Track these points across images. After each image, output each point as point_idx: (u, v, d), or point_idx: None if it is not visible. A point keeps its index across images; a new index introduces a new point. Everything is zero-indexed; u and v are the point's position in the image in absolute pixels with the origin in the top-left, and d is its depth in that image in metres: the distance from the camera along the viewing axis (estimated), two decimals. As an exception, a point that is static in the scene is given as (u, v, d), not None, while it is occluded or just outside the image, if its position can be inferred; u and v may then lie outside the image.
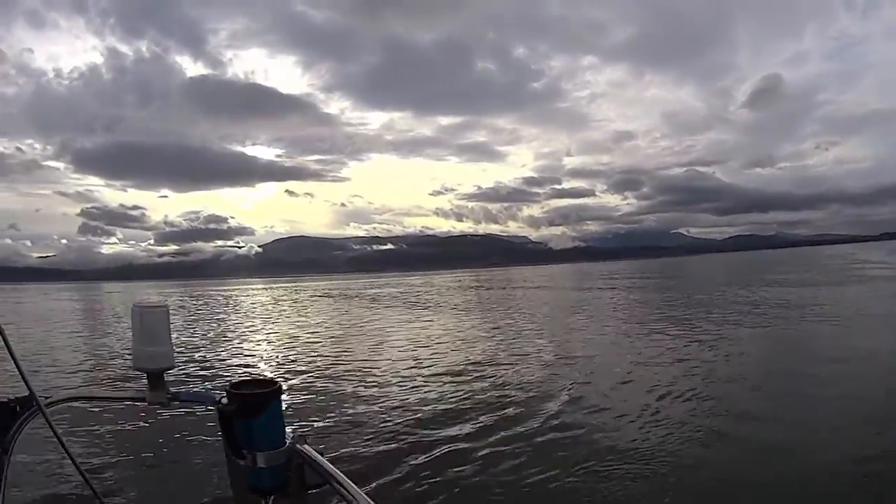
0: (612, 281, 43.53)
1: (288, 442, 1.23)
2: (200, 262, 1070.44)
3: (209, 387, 8.99)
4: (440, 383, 9.13)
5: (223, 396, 1.44)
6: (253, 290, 71.05)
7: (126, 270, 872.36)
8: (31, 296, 72.70)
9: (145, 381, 1.43)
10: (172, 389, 1.52)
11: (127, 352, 12.16)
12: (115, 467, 5.52)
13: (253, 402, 1.20)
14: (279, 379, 1.25)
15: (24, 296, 73.40)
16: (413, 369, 10.30)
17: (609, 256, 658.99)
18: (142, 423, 6.58)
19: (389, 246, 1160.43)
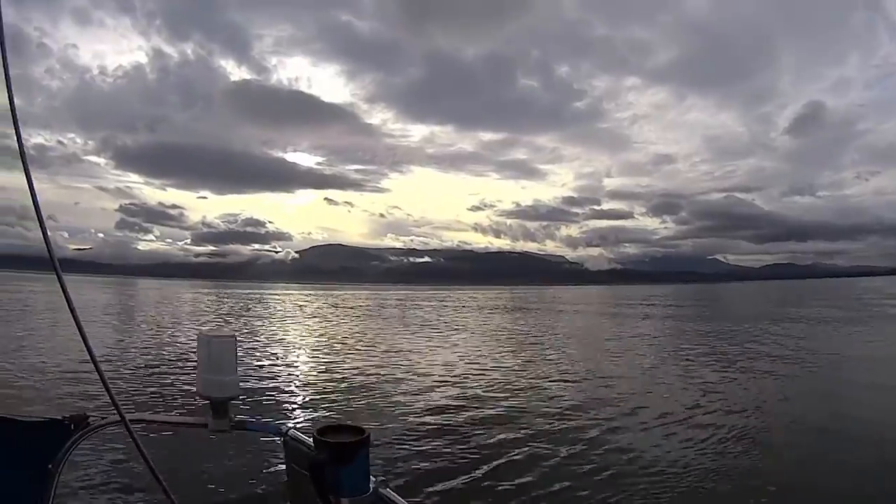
0: (655, 308, 42.01)
1: (372, 487, 1.27)
2: (237, 264, 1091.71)
3: (272, 415, 8.59)
4: (507, 410, 9.19)
5: (290, 429, 1.48)
6: (302, 296, 71.04)
7: (162, 268, 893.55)
8: (73, 288, 76.01)
9: (197, 403, 1.48)
10: (236, 417, 1.54)
11: (176, 365, 12.35)
12: (175, 494, 5.11)
13: (344, 451, 1.23)
14: (366, 425, 1.28)
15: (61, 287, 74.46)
16: (479, 396, 10.32)
17: (645, 280, 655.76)
18: (202, 449, 6.21)
19: (426, 259, 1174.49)
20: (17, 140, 0.93)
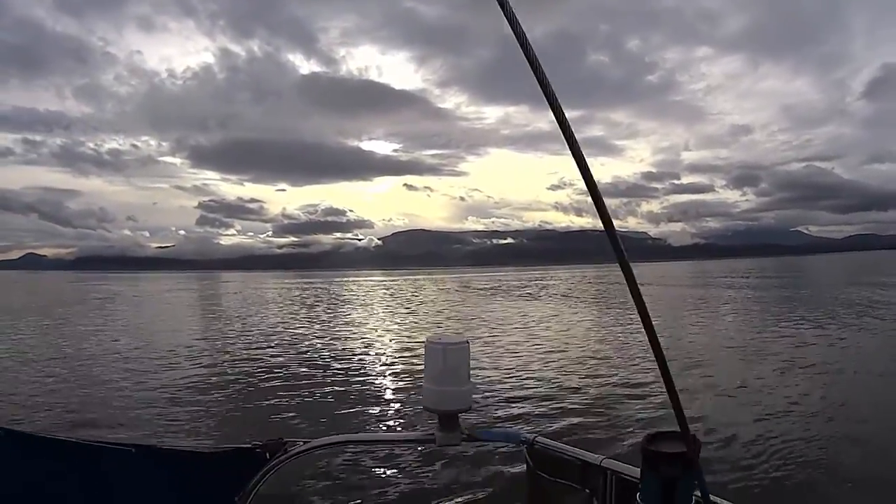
0: (752, 290, 35.22)
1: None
2: (320, 253, 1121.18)
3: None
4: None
5: (537, 435, 1.37)
6: (407, 281, 68.40)
7: (246, 261, 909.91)
8: (176, 284, 68.34)
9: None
10: (467, 428, 1.41)
11: (365, 372, 10.43)
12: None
13: (683, 461, 1.08)
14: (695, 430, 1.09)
15: (168, 284, 68.81)
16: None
17: (728, 254, 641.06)
18: (429, 467, 5.33)
19: (509, 240, 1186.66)
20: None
